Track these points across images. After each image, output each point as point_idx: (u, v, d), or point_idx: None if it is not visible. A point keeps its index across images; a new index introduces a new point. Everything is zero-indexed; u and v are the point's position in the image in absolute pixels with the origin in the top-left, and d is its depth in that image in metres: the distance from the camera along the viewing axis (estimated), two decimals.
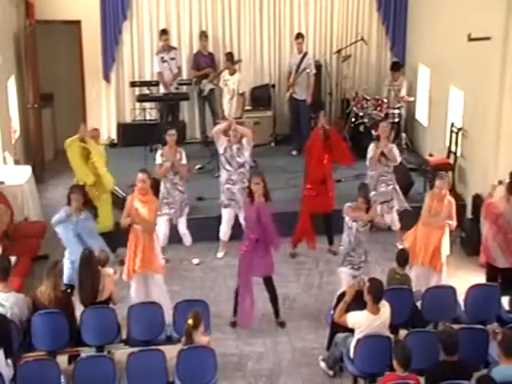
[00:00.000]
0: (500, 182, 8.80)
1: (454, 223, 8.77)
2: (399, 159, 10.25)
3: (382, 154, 10.03)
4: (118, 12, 13.16)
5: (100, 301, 7.63)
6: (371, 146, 10.15)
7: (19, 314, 7.25)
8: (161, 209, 9.56)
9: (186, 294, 9.07)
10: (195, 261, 10.20)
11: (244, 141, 9.90)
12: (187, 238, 10.08)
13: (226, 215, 10.09)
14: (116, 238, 9.52)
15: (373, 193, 9.89)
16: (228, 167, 9.93)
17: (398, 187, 10.28)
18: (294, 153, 13.00)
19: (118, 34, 13.27)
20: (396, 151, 10.16)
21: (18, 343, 7.11)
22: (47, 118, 13.37)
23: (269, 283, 8.67)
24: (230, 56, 12.52)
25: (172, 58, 12.87)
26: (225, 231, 10.18)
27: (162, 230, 9.63)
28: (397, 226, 10.36)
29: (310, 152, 10.18)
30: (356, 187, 8.85)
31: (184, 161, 9.88)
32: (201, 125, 13.43)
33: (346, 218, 8.50)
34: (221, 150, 9.97)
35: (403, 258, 8.17)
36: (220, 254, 10.30)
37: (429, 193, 9.09)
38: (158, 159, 9.81)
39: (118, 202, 9.90)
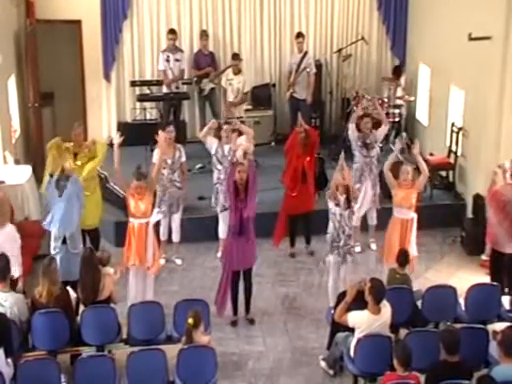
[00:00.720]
0: (499, 167, 8.79)
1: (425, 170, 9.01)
2: (381, 137, 10.39)
3: (364, 143, 10.11)
4: (119, 11, 13.15)
5: (100, 300, 7.64)
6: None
7: (18, 315, 7.25)
8: (159, 206, 9.71)
9: (185, 293, 9.05)
10: (178, 261, 10.19)
11: (241, 139, 9.87)
12: (177, 235, 10.10)
13: (223, 213, 10.08)
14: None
15: (357, 185, 9.94)
16: (219, 167, 9.91)
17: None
18: None
19: (118, 33, 13.27)
20: (381, 134, 10.31)
21: (17, 343, 7.11)
22: (47, 117, 13.34)
23: (247, 277, 8.73)
24: (236, 56, 12.56)
25: (176, 60, 12.82)
26: (223, 230, 10.15)
27: (162, 224, 9.90)
28: (374, 221, 10.39)
29: (290, 153, 10.16)
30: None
31: (183, 158, 9.89)
32: (201, 124, 13.39)
33: (330, 205, 8.57)
34: (212, 151, 9.95)
35: (403, 258, 8.17)
36: (220, 254, 10.28)
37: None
38: (155, 158, 9.78)
39: (113, 197, 9.92)
